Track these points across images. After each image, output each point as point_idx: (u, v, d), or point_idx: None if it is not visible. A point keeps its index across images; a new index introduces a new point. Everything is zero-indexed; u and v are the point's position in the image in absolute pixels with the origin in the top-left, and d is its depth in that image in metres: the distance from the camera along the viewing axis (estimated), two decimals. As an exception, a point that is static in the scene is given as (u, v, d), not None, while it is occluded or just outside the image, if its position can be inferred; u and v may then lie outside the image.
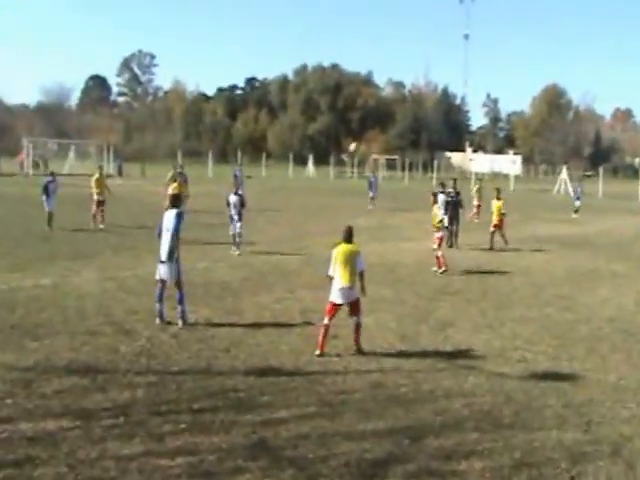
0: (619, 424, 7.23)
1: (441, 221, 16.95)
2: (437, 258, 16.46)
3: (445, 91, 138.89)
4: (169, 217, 10.66)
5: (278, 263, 16.84)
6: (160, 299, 10.58)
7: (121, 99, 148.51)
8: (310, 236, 22.45)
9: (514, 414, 7.48)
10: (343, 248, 9.69)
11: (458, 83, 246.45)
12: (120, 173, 58.61)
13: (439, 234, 16.65)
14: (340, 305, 9.53)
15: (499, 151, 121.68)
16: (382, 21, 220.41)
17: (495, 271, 16.94)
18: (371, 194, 35.29)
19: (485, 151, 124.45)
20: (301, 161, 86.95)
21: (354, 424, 7.05)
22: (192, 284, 12.63)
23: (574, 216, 33.78)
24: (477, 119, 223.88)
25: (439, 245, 16.59)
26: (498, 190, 21.79)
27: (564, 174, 60.41)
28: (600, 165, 74.91)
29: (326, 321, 9.50)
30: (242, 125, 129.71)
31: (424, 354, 9.63)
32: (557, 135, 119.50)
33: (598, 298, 14.00)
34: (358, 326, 9.54)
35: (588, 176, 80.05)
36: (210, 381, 8.19)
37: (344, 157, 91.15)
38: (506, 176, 75.09)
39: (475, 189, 30.58)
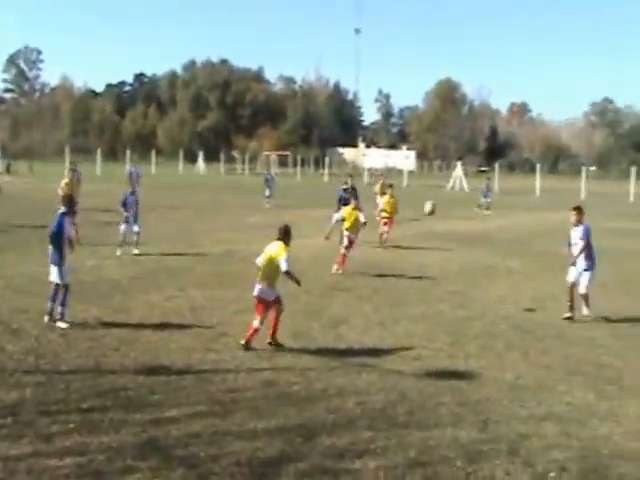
0: (516, 423, 7.56)
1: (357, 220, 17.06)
2: (342, 257, 16.64)
3: (337, 86, 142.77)
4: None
5: (169, 261, 17.33)
6: (52, 299, 10.86)
7: (8, 95, 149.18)
8: (202, 234, 23.15)
9: (408, 412, 7.70)
10: (269, 246, 10.26)
11: (350, 78, 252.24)
12: (8, 170, 59.06)
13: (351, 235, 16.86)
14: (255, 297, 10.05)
15: (392, 146, 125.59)
16: (272, 16, 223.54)
17: (389, 268, 17.42)
18: (267, 192, 36.22)
19: (378, 146, 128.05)
20: (191, 158, 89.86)
21: (246, 423, 7.22)
22: (81, 282, 13.14)
23: (486, 212, 35.74)
24: (370, 114, 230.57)
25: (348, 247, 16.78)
26: (391, 186, 22.57)
27: (459, 170, 63.11)
28: (496, 161, 78.93)
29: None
30: (131, 122, 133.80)
31: (317, 352, 9.90)
32: (451, 130, 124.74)
33: (493, 295, 14.68)
34: (277, 322, 10.09)
35: (483, 172, 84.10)
36: (99, 380, 8.37)
37: (234, 154, 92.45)
38: (400, 172, 77.49)
39: (378, 185, 31.11)
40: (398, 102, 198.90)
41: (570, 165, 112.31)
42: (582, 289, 12.50)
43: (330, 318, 11.93)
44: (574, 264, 12.60)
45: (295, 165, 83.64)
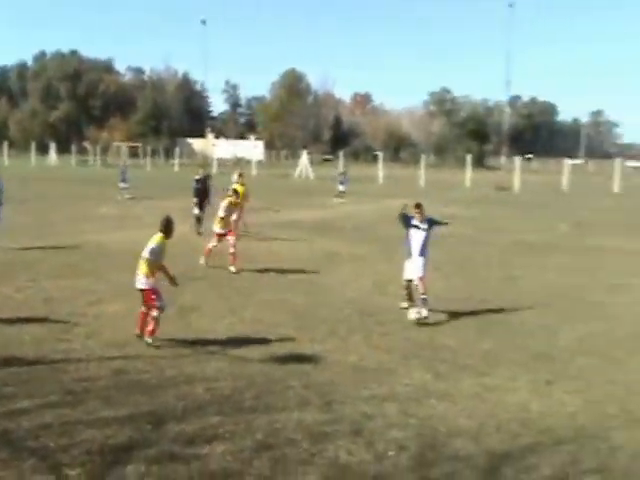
0: (360, 403, 7.92)
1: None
2: (209, 250, 16.39)
3: (185, 77, 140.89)
4: None
5: (21, 253, 17.23)
6: None
7: None
8: (54, 225, 23.32)
9: (256, 397, 7.90)
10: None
11: (198, 69, 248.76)
12: None
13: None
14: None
15: (241, 137, 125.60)
16: (121, 6, 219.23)
17: (239, 256, 17.47)
18: (122, 184, 35.74)
19: (227, 137, 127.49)
20: (44, 149, 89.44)
21: (97, 411, 7.32)
22: None
23: (340, 200, 36.42)
24: (218, 105, 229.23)
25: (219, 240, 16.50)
26: (241, 175, 22.66)
27: (304, 158, 64.15)
28: (341, 149, 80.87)
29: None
30: None
31: (167, 340, 9.98)
32: (297, 120, 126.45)
33: (338, 280, 15.18)
34: (145, 316, 9.98)
35: (328, 160, 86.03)
36: None
37: (86, 145, 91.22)
38: (249, 162, 77.65)
39: (237, 175, 30.73)
40: (246, 93, 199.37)
41: (411, 153, 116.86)
42: (419, 272, 12.22)
43: (181, 307, 12.00)
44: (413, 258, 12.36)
45: (145, 156, 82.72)
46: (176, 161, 75.60)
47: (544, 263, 18.58)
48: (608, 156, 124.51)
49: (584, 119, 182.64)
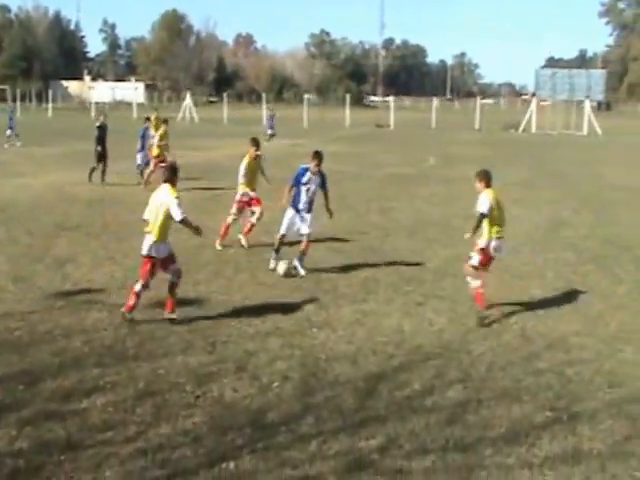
0: (244, 341, 7.77)
1: None
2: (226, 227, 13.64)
3: (57, 16, 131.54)
4: None
5: None
6: None
7: None
8: None
9: (138, 345, 7.56)
10: (156, 194, 8.62)
11: (71, 8, 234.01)
12: None
13: None
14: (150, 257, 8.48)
15: (121, 79, 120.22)
16: None
17: (120, 203, 16.84)
18: (9, 132, 32.93)
19: (105, 79, 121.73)
20: None
21: None
22: None
23: (266, 144, 35.21)
24: (95, 46, 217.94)
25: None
26: (166, 121, 21.39)
27: (188, 100, 62.36)
28: (224, 91, 79.17)
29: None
30: None
31: (40, 294, 9.34)
32: (180, 61, 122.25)
33: (224, 221, 14.81)
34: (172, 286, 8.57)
35: (212, 102, 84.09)
36: None
37: None
38: (129, 104, 74.59)
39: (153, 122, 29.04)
40: (124, 33, 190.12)
41: (294, 94, 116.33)
42: (308, 229, 10.95)
43: (55, 259, 11.28)
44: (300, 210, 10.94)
45: (14, 100, 76.74)
46: (49, 105, 71.03)
47: (415, 194, 19.20)
48: (471, 95, 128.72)
49: (450, 61, 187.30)
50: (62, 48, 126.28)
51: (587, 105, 53.50)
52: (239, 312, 8.80)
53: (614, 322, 8.70)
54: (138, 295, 8.33)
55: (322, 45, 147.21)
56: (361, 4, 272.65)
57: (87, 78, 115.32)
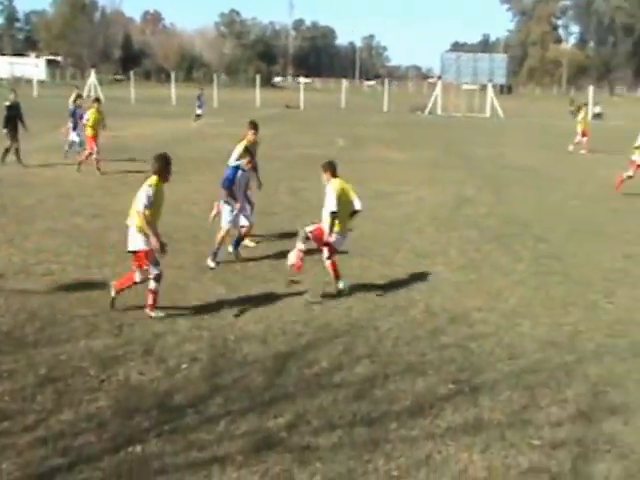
0: (152, 323, 7.61)
1: None
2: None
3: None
4: None
5: None
6: None
7: None
8: None
9: (39, 330, 7.26)
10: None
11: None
12: None
13: None
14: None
15: (20, 53, 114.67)
16: None
17: (18, 183, 16.17)
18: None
19: (3, 54, 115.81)
20: None
21: None
22: None
23: (194, 124, 34.58)
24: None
25: None
26: (97, 100, 20.18)
27: (93, 78, 60.26)
28: (131, 69, 76.95)
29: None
30: None
31: None
32: (83, 37, 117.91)
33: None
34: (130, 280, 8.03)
35: (118, 80, 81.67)
36: None
37: None
38: (29, 81, 71.39)
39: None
40: (23, 7, 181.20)
41: (203, 74, 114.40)
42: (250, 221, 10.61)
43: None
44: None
45: None
46: None
47: (324, 175, 19.20)
48: (379, 77, 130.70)
49: (358, 43, 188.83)
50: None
51: (490, 88, 55.05)
52: (140, 294, 8.57)
53: (513, 297, 9.00)
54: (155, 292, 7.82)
55: (232, 25, 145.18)
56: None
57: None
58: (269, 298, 8.65)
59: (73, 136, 20.63)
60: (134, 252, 7.88)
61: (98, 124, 18.96)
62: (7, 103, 19.32)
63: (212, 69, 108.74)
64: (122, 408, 5.67)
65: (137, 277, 7.91)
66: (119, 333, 7.31)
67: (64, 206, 13.86)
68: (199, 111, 36.35)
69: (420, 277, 9.77)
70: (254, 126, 11.12)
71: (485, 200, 16.44)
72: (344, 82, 63.59)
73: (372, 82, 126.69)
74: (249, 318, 7.91)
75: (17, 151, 19.05)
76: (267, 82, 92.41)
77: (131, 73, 67.55)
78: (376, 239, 11.94)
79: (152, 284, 7.82)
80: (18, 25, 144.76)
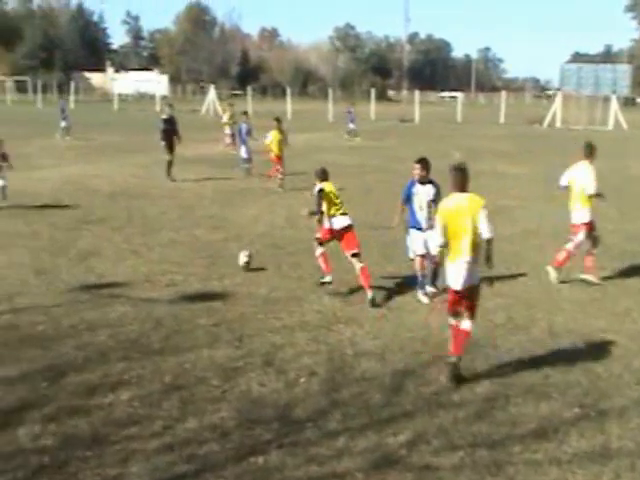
0: (271, 335, 7.76)
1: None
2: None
3: (80, 7, 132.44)
4: None
5: None
6: None
7: None
8: None
9: (164, 339, 7.56)
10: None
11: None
12: None
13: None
14: None
15: (145, 68, 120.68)
16: None
17: (142, 195, 16.91)
18: (64, 123, 32.13)
19: (128, 71, 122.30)
20: None
21: None
22: None
23: (355, 139, 34.68)
24: (119, 38, 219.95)
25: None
26: (278, 120, 19.93)
27: (212, 94, 62.43)
28: (248, 84, 79.23)
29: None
30: None
31: (64, 288, 9.33)
32: (203, 54, 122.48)
33: (249, 216, 14.83)
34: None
35: (236, 95, 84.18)
36: None
37: None
38: (152, 97, 74.94)
39: (227, 116, 28.90)
40: (148, 25, 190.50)
41: (318, 88, 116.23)
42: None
43: (78, 252, 11.31)
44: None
45: (35, 91, 77.10)
46: (72, 97, 71.24)
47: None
48: (496, 89, 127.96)
49: (474, 55, 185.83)
50: (85, 39, 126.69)
51: (613, 100, 52.74)
52: (265, 305, 8.79)
53: (643, 319, 8.56)
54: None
55: (347, 39, 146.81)
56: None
57: (110, 70, 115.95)
58: (385, 314, 8.62)
59: (242, 152, 21.17)
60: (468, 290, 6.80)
61: (281, 143, 19.08)
62: (164, 116, 20.02)
63: (327, 83, 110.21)
64: (244, 419, 5.80)
65: (469, 326, 6.89)
66: (240, 344, 7.50)
67: (185, 218, 14.40)
68: (352, 125, 36.01)
69: (541, 295, 9.47)
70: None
71: (610, 216, 15.70)
72: (459, 95, 62.74)
73: (453, 94, 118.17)
74: (366, 334, 7.91)
75: (170, 165, 19.66)
76: (381, 95, 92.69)
77: (248, 88, 69.49)
78: (495, 255, 11.61)
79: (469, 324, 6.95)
80: (143, 43, 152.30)
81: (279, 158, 18.89)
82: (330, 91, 61.42)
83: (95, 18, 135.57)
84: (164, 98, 69.00)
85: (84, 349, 7.22)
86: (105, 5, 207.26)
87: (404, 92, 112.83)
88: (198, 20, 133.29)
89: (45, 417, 5.77)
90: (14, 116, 47.25)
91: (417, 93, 59.82)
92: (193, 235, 12.76)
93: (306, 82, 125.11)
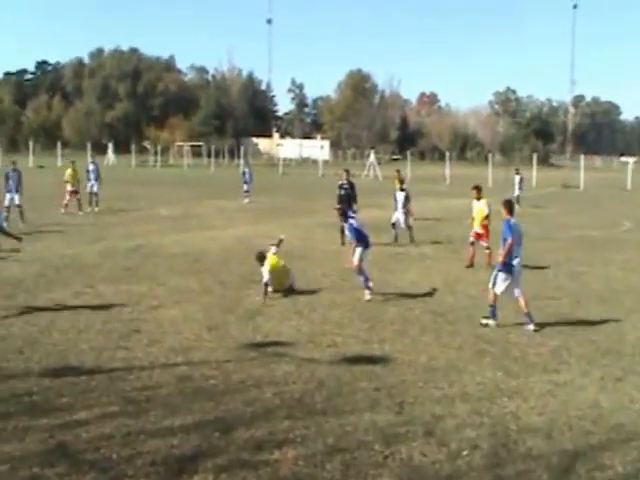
0: (431, 404, 7.69)
1: (487, 217, 16.47)
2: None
3: (250, 76, 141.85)
4: None
5: (74, 256, 16.66)
6: None
7: None
8: (110, 227, 22.77)
9: (326, 400, 7.71)
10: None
11: (263, 68, 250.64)
12: None
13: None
14: None
15: (307, 136, 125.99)
16: (183, 4, 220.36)
17: (304, 257, 17.48)
18: (245, 187, 34.14)
19: (292, 136, 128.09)
20: (101, 149, 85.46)
21: (160, 420, 7.06)
22: None
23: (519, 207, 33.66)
24: (284, 104, 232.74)
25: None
26: (478, 189, 17.17)
27: (372, 158, 63.87)
28: (407, 149, 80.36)
29: None
30: (33, 112, 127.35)
31: (233, 344, 9.79)
32: (363, 120, 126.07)
33: (407, 280, 14.90)
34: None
35: (395, 159, 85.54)
36: (1, 386, 8.04)
37: (146, 144, 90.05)
38: (315, 161, 77.81)
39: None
40: (311, 92, 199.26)
41: (477, 153, 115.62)
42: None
43: (246, 310, 11.84)
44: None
45: (209, 156, 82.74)
46: (241, 161, 75.15)
47: (607, 258, 18.20)
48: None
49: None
50: (253, 107, 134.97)
51: None
52: (425, 373, 8.75)
53: None
54: None
55: (507, 103, 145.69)
56: (549, 61, 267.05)
57: (276, 135, 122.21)
58: (551, 389, 8.29)
59: (397, 218, 21.00)
60: None
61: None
62: (341, 182, 20.31)
63: (486, 148, 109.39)
64: (405, 487, 5.77)
65: None
66: (400, 410, 7.49)
67: (345, 280, 14.63)
68: (518, 192, 34.43)
69: None
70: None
71: None
72: (630, 160, 59.82)
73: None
74: (531, 409, 7.64)
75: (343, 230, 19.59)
76: (543, 161, 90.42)
77: (407, 153, 70.45)
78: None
79: None
80: (306, 110, 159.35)
81: (484, 230, 16.93)
82: (489, 156, 60.85)
83: (263, 87, 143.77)
84: (325, 162, 71.46)
85: (252, 405, 7.52)
86: (273, 74, 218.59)
87: (567, 157, 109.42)
88: (359, 87, 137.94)
89: (217, 468, 6.05)
90: (189, 179, 50.76)
91: (582, 158, 57.90)
92: (353, 297, 12.96)
93: (465, 147, 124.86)
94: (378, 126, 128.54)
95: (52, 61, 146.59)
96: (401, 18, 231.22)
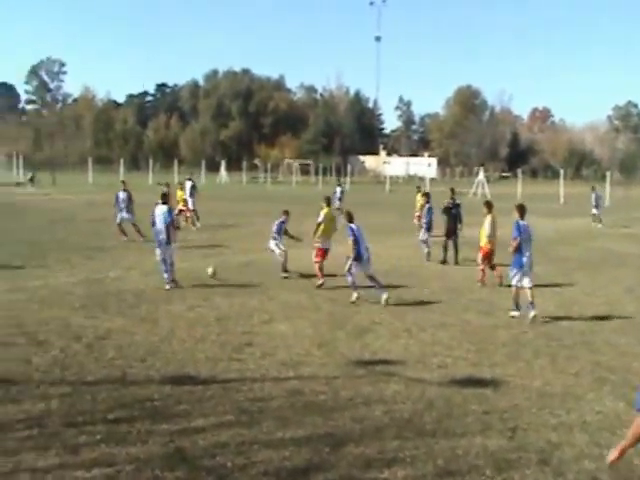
0: (546, 431, 7.49)
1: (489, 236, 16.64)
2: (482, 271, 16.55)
3: (357, 94, 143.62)
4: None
5: (192, 270, 17.20)
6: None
7: (30, 107, 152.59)
8: (226, 242, 23.73)
9: (436, 421, 7.66)
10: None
11: (370, 86, 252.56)
12: (32, 181, 61.45)
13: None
14: None
15: (414, 154, 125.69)
16: (292, 25, 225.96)
17: (410, 275, 17.39)
18: (338, 204, 31.92)
19: (399, 154, 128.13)
20: (214, 167, 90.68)
21: (272, 432, 7.26)
22: (106, 293, 14.23)
23: (598, 226, 32.89)
24: (390, 122, 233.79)
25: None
26: (489, 205, 17.46)
27: (481, 176, 62.83)
28: (518, 167, 78.56)
29: None
30: (153, 132, 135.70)
31: (342, 361, 9.90)
32: (472, 136, 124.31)
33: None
34: None
35: (504, 177, 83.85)
36: (125, 391, 8.50)
37: (257, 162, 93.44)
38: (421, 179, 77.38)
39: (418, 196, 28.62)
40: (419, 109, 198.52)
41: (594, 171, 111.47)
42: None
43: (355, 327, 11.95)
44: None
45: (317, 173, 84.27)
46: (348, 179, 76.11)
47: None
48: None
49: None
50: (360, 125, 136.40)
51: None
52: (539, 399, 8.53)
53: None
54: None
55: (628, 118, 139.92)
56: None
57: (383, 153, 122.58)
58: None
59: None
60: None
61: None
62: (446, 203, 20.33)
63: (603, 166, 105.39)
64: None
65: None
66: (513, 436, 7.34)
67: (456, 300, 14.52)
68: (595, 211, 33.92)
69: None
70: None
71: None
72: None
73: None
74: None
75: (456, 249, 19.90)
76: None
77: (518, 171, 68.89)
78: None
79: None
80: (414, 127, 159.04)
81: None
82: (608, 174, 58.57)
83: (370, 104, 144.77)
84: (432, 180, 70.90)
85: (361, 422, 7.58)
86: (380, 92, 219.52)
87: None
88: (468, 103, 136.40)
89: (328, 482, 6.13)
90: (297, 197, 51.63)
91: None
92: (463, 318, 12.80)
93: (580, 164, 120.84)
94: (487, 143, 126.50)
95: (170, 83, 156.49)
96: (510, 34, 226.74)
